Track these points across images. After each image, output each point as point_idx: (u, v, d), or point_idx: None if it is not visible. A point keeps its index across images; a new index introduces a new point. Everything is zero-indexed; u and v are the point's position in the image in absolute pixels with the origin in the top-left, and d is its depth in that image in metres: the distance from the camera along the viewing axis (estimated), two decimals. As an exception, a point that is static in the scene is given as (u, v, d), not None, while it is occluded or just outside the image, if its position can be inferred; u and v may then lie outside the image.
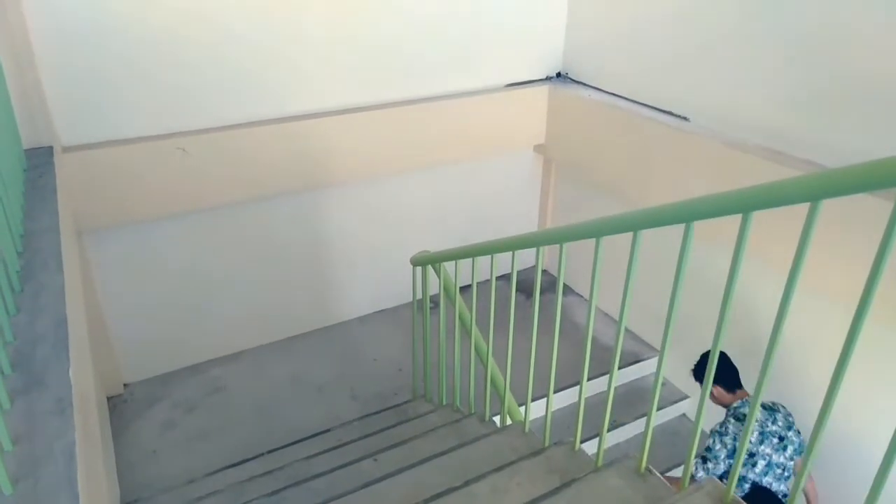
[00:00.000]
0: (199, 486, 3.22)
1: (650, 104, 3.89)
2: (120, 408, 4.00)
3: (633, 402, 3.85)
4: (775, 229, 2.00)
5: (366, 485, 2.58)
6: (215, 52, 3.52)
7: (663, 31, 3.76)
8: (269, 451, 3.47)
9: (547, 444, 2.52)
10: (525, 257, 2.58)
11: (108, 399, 4.01)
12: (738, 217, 1.56)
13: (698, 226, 1.74)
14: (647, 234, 1.88)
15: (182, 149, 3.50)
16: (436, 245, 3.84)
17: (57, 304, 1.73)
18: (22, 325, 1.62)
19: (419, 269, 3.38)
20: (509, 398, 2.86)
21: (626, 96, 4.07)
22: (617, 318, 2.06)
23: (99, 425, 2.45)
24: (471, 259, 2.85)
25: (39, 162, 2.85)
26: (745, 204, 1.56)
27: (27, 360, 1.48)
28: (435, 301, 3.51)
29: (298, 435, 3.63)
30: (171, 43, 3.39)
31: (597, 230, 2.07)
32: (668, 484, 2.07)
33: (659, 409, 4.02)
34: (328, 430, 3.65)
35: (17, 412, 1.31)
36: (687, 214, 1.79)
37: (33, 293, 1.78)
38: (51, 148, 3.03)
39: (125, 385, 4.17)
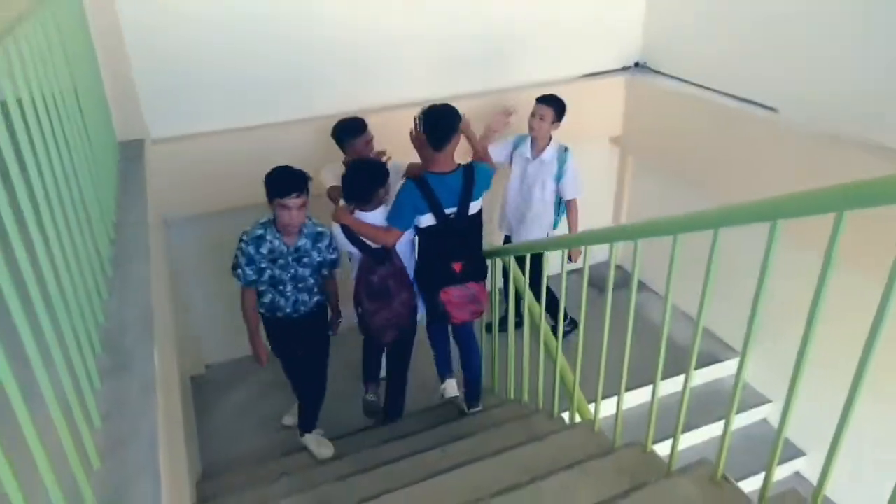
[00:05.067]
0: (272, 467, 3.33)
1: (735, 94, 3.71)
2: (202, 388, 4.20)
3: (709, 404, 3.70)
4: (871, 232, 1.86)
5: (432, 475, 2.60)
6: (297, 49, 3.62)
7: (749, 17, 3.57)
8: (340, 437, 3.55)
9: (617, 444, 2.46)
10: (598, 251, 2.53)
11: (191, 379, 4.21)
12: (831, 217, 1.46)
13: (787, 224, 1.64)
14: (732, 229, 1.79)
15: (263, 140, 3.62)
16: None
17: (143, 290, 1.82)
18: (112, 309, 1.71)
19: (488, 261, 3.36)
20: (579, 395, 2.81)
21: (709, 86, 3.90)
22: (695, 318, 1.98)
23: (181, 405, 2.58)
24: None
25: (131, 154, 3.02)
26: (838, 202, 1.46)
27: (116, 343, 1.57)
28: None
29: (368, 422, 3.70)
30: (255, 40, 3.51)
31: (673, 227, 1.99)
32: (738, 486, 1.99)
33: (738, 412, 3.86)
34: (396, 420, 3.70)
35: (106, 392, 1.39)
36: (772, 212, 1.69)
37: (123, 279, 1.89)
38: (142, 140, 3.20)
39: (207, 366, 4.37)
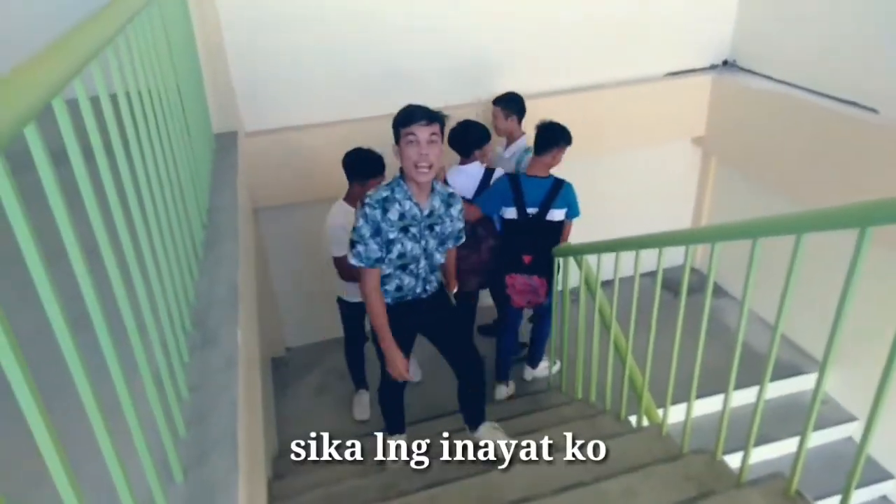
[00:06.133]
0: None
1: (832, 95, 3.51)
2: (281, 369, 4.40)
3: (788, 417, 3.53)
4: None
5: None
6: (388, 46, 3.72)
7: (848, 13, 3.37)
8: (410, 424, 3.63)
9: (685, 450, 2.41)
10: (674, 254, 2.47)
11: (272, 360, 4.42)
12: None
13: (885, 231, 1.54)
14: (822, 235, 1.70)
15: (345, 138, 3.75)
16: (580, 236, 3.75)
17: (231, 273, 1.94)
18: (203, 289, 1.84)
19: (561, 259, 3.35)
20: (647, 398, 2.77)
21: (803, 85, 3.71)
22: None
23: (261, 383, 2.72)
24: (614, 253, 2.78)
25: (226, 144, 3.20)
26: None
27: (204, 320, 1.69)
28: (575, 293, 3.47)
29: (437, 410, 3.76)
30: (347, 36, 3.64)
31: (753, 231, 1.93)
32: None
33: (821, 428, 3.68)
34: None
35: (195, 365, 1.51)
36: (861, 218, 1.61)
37: (213, 261, 2.02)
38: (235, 133, 3.38)
39: (287, 349, 4.58)
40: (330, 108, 3.79)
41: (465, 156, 3.46)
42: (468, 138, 3.40)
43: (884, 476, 3.56)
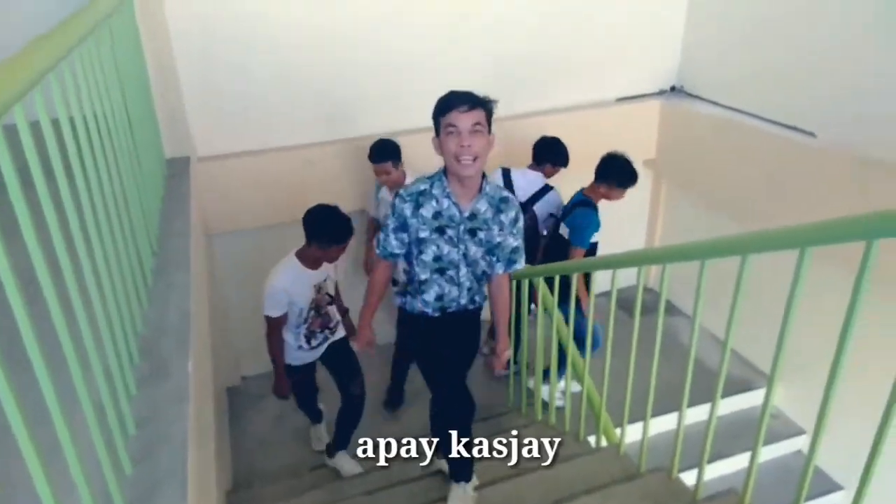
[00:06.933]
0: (302, 481, 3.37)
1: (773, 119, 3.67)
2: (237, 399, 4.28)
3: (740, 433, 3.60)
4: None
5: (456, 493, 2.60)
6: (339, 70, 3.73)
7: (787, 41, 3.54)
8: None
9: (642, 469, 2.43)
10: (628, 274, 2.52)
11: (227, 389, 4.30)
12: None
13: (826, 250, 1.61)
14: (770, 254, 1.76)
15: (310, 161, 3.74)
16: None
17: (182, 301, 1.89)
18: (152, 318, 1.79)
19: (517, 282, 3.37)
20: (605, 418, 2.79)
21: (747, 111, 3.86)
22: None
23: (215, 414, 2.64)
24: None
25: (178, 170, 3.14)
26: (868, 230, 1.44)
27: (154, 351, 1.63)
28: (533, 315, 3.50)
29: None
30: (298, 62, 3.63)
31: (700, 252, 1.98)
32: None
33: (771, 442, 3.76)
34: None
35: (143, 398, 1.45)
36: (801, 239, 1.68)
37: (164, 289, 1.97)
38: (188, 158, 3.32)
39: (243, 378, 4.46)
40: (284, 133, 3.77)
41: (538, 164, 3.60)
42: (552, 150, 3.55)
43: (833, 487, 3.65)
